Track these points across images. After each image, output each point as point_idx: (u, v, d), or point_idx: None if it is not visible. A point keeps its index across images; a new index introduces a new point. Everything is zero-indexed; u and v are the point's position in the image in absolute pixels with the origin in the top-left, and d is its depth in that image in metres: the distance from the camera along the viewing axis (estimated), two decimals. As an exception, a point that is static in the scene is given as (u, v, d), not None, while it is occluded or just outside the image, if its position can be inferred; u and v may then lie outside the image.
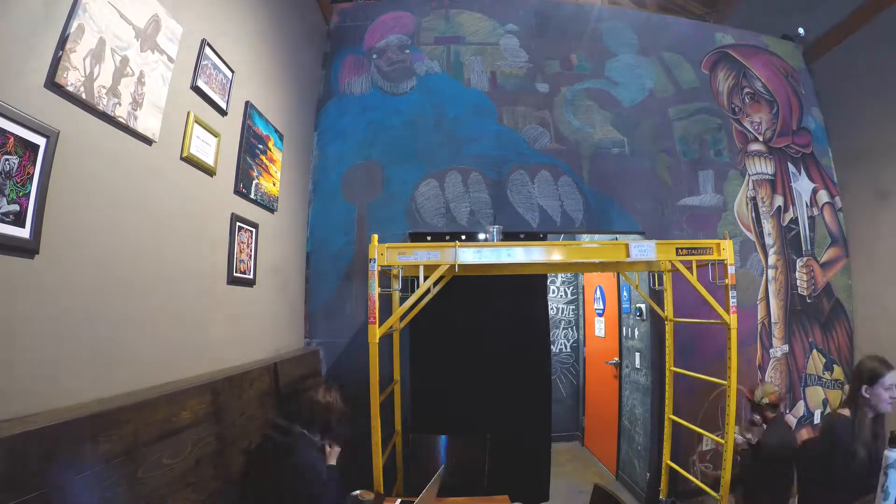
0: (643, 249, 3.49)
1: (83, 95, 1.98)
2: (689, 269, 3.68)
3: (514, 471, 4.48)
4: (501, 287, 4.99)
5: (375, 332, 3.26)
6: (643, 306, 5.47)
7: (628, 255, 3.47)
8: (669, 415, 4.75)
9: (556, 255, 3.55)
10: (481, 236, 5.00)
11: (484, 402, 4.93)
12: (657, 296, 4.87)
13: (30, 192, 1.76)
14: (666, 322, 4.75)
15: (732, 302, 3.65)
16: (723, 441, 3.87)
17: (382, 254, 3.35)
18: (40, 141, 1.80)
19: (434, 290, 3.78)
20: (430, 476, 3.84)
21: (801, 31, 6.14)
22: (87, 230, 2.05)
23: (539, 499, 5.08)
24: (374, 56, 5.47)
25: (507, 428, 4.74)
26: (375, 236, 3.39)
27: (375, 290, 3.28)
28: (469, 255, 3.38)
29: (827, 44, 5.94)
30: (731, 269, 3.63)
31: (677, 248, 3.58)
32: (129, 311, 2.29)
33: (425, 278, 3.38)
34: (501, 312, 5.15)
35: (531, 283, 5.21)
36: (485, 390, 4.98)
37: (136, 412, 2.08)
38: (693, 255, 3.61)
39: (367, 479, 3.30)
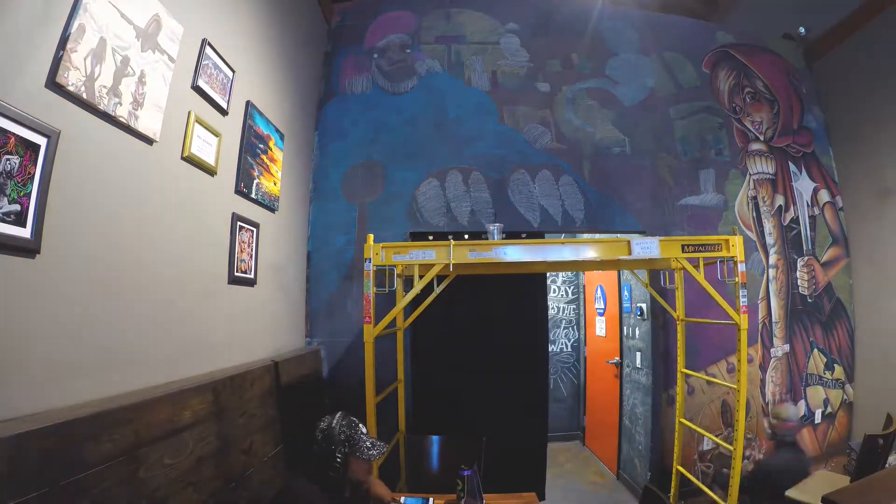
0: (645, 247, 3.40)
1: (84, 95, 1.98)
2: (696, 267, 3.60)
3: (510, 471, 4.47)
4: (503, 286, 4.98)
5: (371, 332, 3.26)
6: (644, 306, 5.48)
7: (630, 253, 3.39)
8: (680, 418, 4.65)
9: (552, 254, 3.53)
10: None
11: (483, 402, 4.94)
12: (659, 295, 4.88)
13: (31, 191, 1.77)
14: (678, 322, 4.65)
15: (743, 301, 3.49)
16: (731, 448, 3.71)
17: (377, 253, 3.34)
18: (41, 141, 1.80)
19: (438, 290, 3.77)
20: (426, 476, 3.84)
21: (802, 30, 6.13)
22: (89, 230, 2.05)
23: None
24: (375, 55, 5.47)
25: (504, 427, 4.74)
26: (371, 236, 3.39)
27: (371, 290, 3.27)
28: (463, 253, 3.37)
29: (828, 43, 5.93)
30: (741, 267, 3.48)
31: (683, 245, 3.46)
32: (130, 311, 2.30)
33: (420, 277, 3.38)
34: (502, 311, 5.14)
35: (531, 283, 5.20)
36: (484, 390, 4.98)
37: (138, 412, 2.09)
38: (700, 252, 3.50)
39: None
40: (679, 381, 4.71)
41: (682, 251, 3.47)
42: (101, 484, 1.84)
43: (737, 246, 3.50)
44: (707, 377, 4.84)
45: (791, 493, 4.46)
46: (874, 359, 5.52)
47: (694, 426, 4.62)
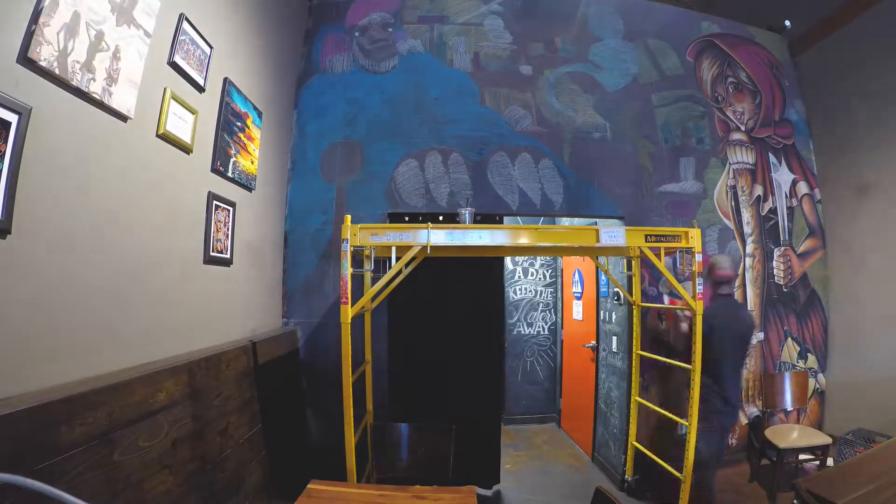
0: (613, 235, 3.52)
1: (56, 71, 1.95)
2: (658, 255, 3.77)
3: (466, 454, 4.48)
4: (463, 269, 4.96)
5: (348, 313, 3.24)
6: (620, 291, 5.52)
7: (598, 241, 3.50)
8: (635, 397, 4.96)
9: (526, 239, 3.56)
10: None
11: (445, 387, 4.96)
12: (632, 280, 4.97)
13: (1, 170, 1.74)
14: (634, 306, 4.94)
15: (699, 289, 3.75)
16: (686, 423, 3.99)
17: (355, 234, 3.32)
18: (12, 118, 1.77)
19: (406, 271, 3.78)
20: (394, 463, 3.83)
21: (787, 23, 6.16)
22: (61, 209, 2.03)
23: (491, 482, 5.12)
24: (357, 34, 5.40)
25: (462, 412, 4.79)
26: (348, 217, 3.36)
27: (348, 271, 3.26)
28: (440, 237, 3.38)
29: (813, 37, 5.97)
30: (697, 257, 3.71)
31: (646, 235, 3.63)
32: (103, 292, 2.28)
33: (398, 259, 3.37)
34: (463, 295, 5.13)
35: (489, 267, 5.19)
36: (445, 374, 5.00)
37: (112, 394, 2.08)
38: (661, 241, 3.68)
39: (340, 461, 3.31)
40: (635, 361, 4.97)
41: (646, 241, 3.64)
42: (76, 468, 1.84)
43: (695, 238, 3.73)
44: (661, 358, 4.93)
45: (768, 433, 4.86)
46: (847, 349, 5.62)
47: (647, 403, 4.91)
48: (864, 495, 2.65)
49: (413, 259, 3.59)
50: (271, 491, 3.67)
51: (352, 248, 3.32)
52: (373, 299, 4.14)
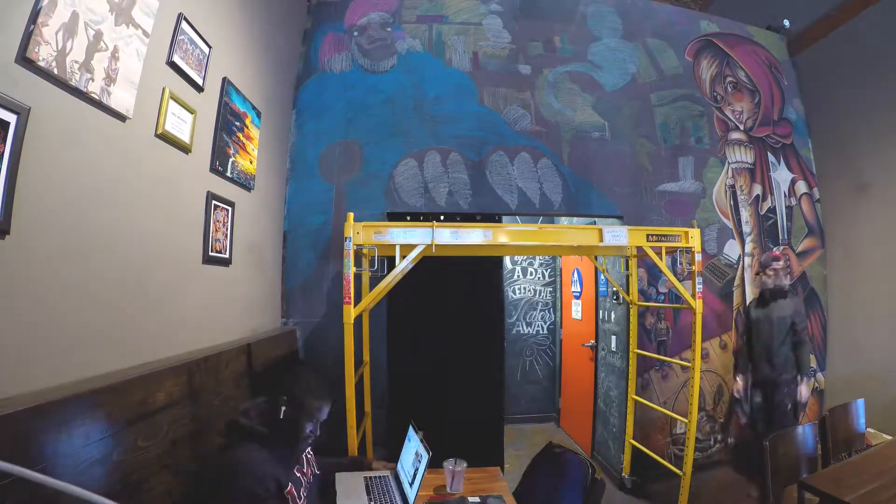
0: (616, 235, 3.55)
1: (55, 70, 1.93)
2: (659, 255, 3.78)
3: (468, 455, 4.47)
4: (464, 269, 4.96)
5: (350, 313, 3.22)
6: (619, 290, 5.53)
7: (602, 240, 3.52)
8: (632, 395, 4.98)
9: (530, 238, 3.59)
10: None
11: (445, 387, 4.98)
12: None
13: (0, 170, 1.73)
14: (631, 305, 4.98)
15: (698, 288, 3.79)
16: (686, 420, 4.03)
17: (358, 232, 3.31)
18: (11, 118, 1.75)
19: (405, 271, 3.79)
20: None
21: (786, 22, 6.18)
22: (60, 209, 2.01)
23: None
24: (355, 33, 5.37)
25: (463, 412, 4.80)
26: (351, 214, 3.35)
27: (351, 270, 3.25)
28: (445, 235, 3.37)
29: (811, 37, 5.98)
30: (697, 257, 3.76)
31: (647, 235, 3.68)
32: (102, 292, 2.26)
33: (402, 258, 3.35)
34: (462, 294, 5.12)
35: (487, 267, 5.19)
36: (446, 374, 5.01)
37: (111, 395, 2.06)
38: (662, 241, 3.72)
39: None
40: (632, 360, 5.01)
41: (647, 240, 3.68)
42: (76, 468, 1.82)
43: (694, 238, 3.81)
44: (660, 357, 5.09)
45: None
46: (846, 348, 5.62)
47: (643, 400, 4.97)
48: (870, 492, 2.67)
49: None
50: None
51: (355, 247, 3.31)
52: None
